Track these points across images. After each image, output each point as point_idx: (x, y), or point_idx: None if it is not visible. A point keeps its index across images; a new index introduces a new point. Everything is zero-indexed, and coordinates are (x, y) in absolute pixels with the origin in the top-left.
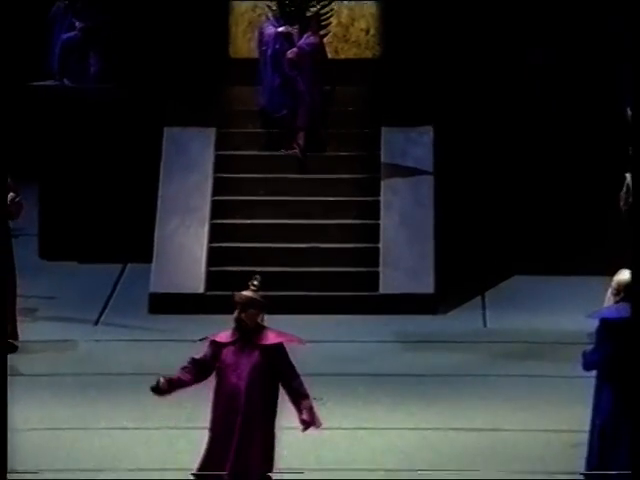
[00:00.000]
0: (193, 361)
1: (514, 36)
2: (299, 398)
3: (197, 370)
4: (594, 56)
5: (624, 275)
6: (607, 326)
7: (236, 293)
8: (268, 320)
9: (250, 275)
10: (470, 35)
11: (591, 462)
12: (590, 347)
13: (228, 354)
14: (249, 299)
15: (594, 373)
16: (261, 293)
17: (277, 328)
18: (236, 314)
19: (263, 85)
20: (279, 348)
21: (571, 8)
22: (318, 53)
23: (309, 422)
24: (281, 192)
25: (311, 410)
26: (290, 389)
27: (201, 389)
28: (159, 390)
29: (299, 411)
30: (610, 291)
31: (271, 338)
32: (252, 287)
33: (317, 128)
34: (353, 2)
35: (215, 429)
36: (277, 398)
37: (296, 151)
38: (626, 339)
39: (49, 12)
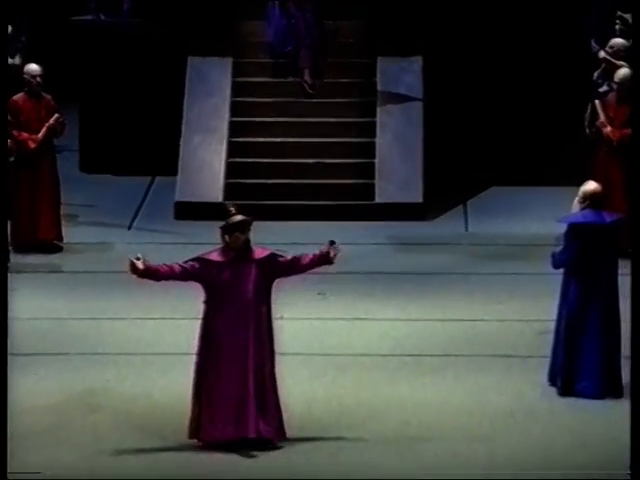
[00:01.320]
0: (179, 265)
1: None
2: (309, 256)
3: (177, 271)
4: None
5: (589, 185)
6: (574, 230)
7: (243, 218)
8: (280, 226)
9: (263, 186)
10: None
11: (558, 347)
12: (558, 248)
13: (227, 273)
14: (250, 220)
15: (561, 271)
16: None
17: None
18: (245, 236)
19: (270, 24)
20: (270, 257)
21: None
22: None
23: (333, 250)
24: (289, 114)
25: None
26: (298, 262)
27: None
28: (134, 266)
29: (318, 254)
30: (577, 200)
31: (260, 252)
32: (234, 212)
33: (318, 63)
34: None
35: (223, 346)
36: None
37: (304, 84)
38: (590, 241)
39: None
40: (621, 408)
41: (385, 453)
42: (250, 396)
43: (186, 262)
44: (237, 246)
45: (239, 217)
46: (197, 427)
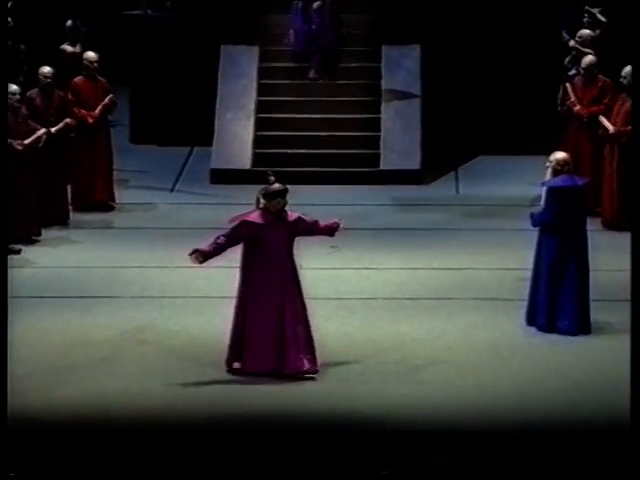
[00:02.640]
0: (225, 237)
1: None
2: (322, 224)
3: (229, 244)
4: None
5: (561, 154)
6: (554, 192)
7: (283, 186)
8: (299, 189)
9: (285, 156)
10: None
11: (538, 293)
12: (536, 209)
13: (266, 232)
14: (287, 188)
15: (536, 228)
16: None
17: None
18: (285, 201)
19: (294, 30)
20: (298, 219)
21: None
22: (336, 4)
23: (337, 224)
24: (307, 94)
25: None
26: (315, 227)
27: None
28: (195, 261)
29: (327, 225)
30: (550, 168)
31: (290, 215)
32: (273, 180)
33: (330, 64)
34: None
35: (265, 293)
36: None
37: (309, 80)
38: (567, 202)
39: None
40: (589, 343)
41: (388, 381)
42: (288, 336)
43: (231, 229)
44: (276, 210)
45: (279, 185)
46: (233, 359)
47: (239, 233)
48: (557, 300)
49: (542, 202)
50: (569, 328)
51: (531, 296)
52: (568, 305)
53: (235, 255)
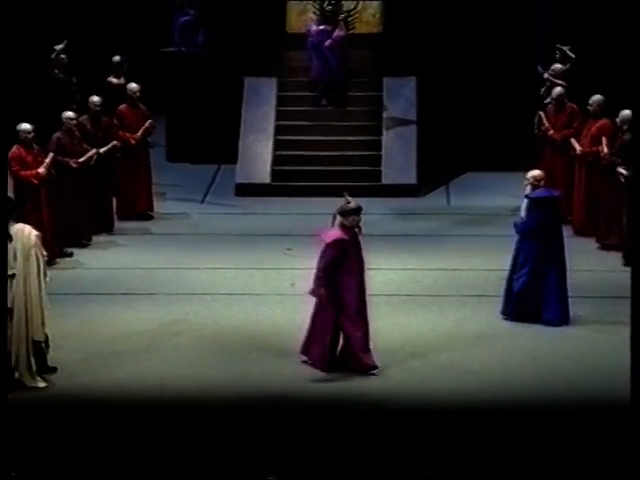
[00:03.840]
0: (330, 262)
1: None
2: None
3: (332, 266)
4: (519, 27)
5: (537, 171)
6: (536, 202)
7: (358, 205)
8: (311, 201)
9: (300, 172)
10: (439, 19)
11: (519, 288)
12: (517, 218)
13: (352, 247)
14: (361, 207)
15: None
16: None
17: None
18: (358, 219)
19: (312, 63)
20: None
21: None
22: (344, 42)
23: None
24: (319, 119)
25: None
26: None
27: (266, 246)
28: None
29: None
30: (529, 184)
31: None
32: (349, 200)
33: (338, 94)
34: (367, 1)
35: (353, 301)
36: None
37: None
38: (548, 210)
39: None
40: (563, 333)
41: (389, 365)
42: (369, 336)
43: (326, 254)
44: (352, 226)
45: (354, 204)
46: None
47: (334, 253)
48: (541, 296)
49: (522, 212)
50: (552, 319)
51: (507, 294)
52: (552, 300)
53: (249, 257)
